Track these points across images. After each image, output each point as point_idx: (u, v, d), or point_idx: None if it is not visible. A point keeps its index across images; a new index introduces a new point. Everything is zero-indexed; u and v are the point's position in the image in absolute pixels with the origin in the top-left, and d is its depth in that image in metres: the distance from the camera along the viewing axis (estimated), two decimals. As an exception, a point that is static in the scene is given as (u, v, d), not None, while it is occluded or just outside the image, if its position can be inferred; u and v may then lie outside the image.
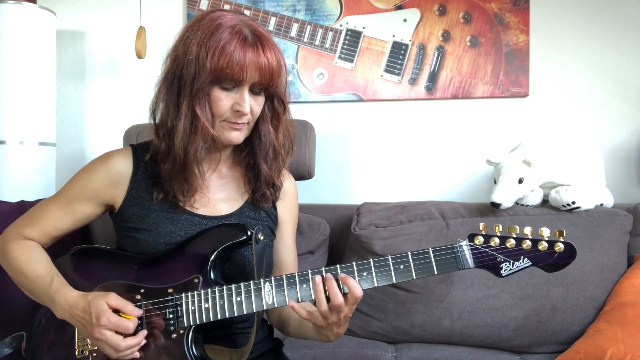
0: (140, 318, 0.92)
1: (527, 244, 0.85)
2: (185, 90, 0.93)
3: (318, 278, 0.86)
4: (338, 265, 0.88)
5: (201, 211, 1.03)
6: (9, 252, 1.01)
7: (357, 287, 0.85)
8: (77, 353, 0.95)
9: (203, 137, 0.94)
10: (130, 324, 0.87)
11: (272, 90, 0.98)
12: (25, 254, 1.00)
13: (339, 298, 0.85)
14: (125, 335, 0.88)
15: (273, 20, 1.92)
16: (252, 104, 0.95)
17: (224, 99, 0.94)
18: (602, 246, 1.41)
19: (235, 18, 0.94)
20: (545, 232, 0.85)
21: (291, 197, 1.15)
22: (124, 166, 1.02)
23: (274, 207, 1.12)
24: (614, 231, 1.43)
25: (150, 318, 0.92)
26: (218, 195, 1.06)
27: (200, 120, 0.93)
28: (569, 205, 1.42)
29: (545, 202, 1.52)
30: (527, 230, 0.86)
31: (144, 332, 0.90)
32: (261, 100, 0.98)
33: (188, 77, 0.93)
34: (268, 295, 0.88)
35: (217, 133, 0.96)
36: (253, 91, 0.96)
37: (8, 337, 1.03)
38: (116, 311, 0.88)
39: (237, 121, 0.96)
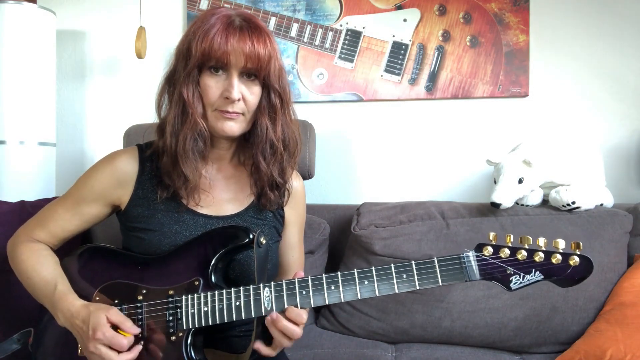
0: (141, 319, 0.92)
1: (539, 257, 0.80)
2: (178, 80, 0.95)
3: (272, 319, 0.86)
4: (339, 273, 0.87)
5: (206, 211, 1.03)
6: (17, 255, 1.02)
7: (298, 315, 0.86)
8: (79, 352, 0.95)
9: (192, 127, 0.94)
10: (125, 342, 0.86)
11: (263, 77, 0.96)
12: (32, 257, 1.00)
13: (295, 331, 0.86)
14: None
15: (273, 20, 1.92)
16: (244, 93, 0.95)
17: (213, 86, 0.94)
18: (602, 246, 1.40)
19: (231, 10, 0.97)
20: (561, 244, 0.80)
21: (298, 198, 1.15)
22: (130, 166, 1.02)
23: (281, 208, 1.11)
24: (614, 231, 1.43)
25: (151, 319, 0.92)
26: (223, 196, 1.06)
27: (188, 108, 0.94)
28: (569, 205, 1.42)
29: (545, 202, 1.52)
30: (541, 242, 0.81)
31: (138, 348, 0.89)
32: (256, 90, 0.97)
33: (180, 67, 0.95)
34: (267, 301, 0.87)
35: (210, 123, 0.96)
36: (245, 79, 0.95)
37: (16, 334, 1.04)
38: (115, 327, 0.88)
39: (228, 109, 0.95)
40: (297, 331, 0.86)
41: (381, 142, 1.90)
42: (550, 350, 1.40)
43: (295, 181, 1.13)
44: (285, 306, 0.87)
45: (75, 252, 1.04)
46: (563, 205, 1.43)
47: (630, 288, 1.34)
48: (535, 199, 1.49)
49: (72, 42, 2.04)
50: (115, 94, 2.03)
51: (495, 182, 1.45)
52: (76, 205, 1.03)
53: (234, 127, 0.97)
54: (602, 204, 1.49)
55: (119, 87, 2.02)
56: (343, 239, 1.64)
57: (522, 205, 1.50)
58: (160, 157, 0.99)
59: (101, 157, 1.06)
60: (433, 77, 1.85)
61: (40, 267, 0.99)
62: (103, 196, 1.02)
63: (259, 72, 0.95)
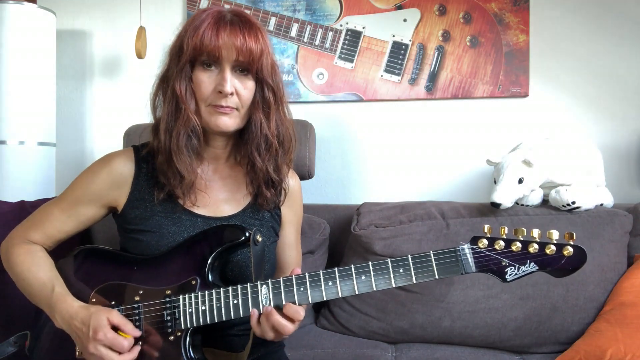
0: (138, 319, 0.92)
1: (534, 248, 0.81)
2: (171, 77, 0.96)
3: (255, 313, 0.86)
4: (336, 269, 0.87)
5: (203, 212, 1.02)
6: (12, 257, 1.01)
7: (296, 311, 0.85)
8: (77, 354, 0.95)
9: (185, 123, 0.94)
10: (126, 343, 0.86)
11: (256, 72, 0.96)
12: (27, 259, 1.00)
13: (287, 328, 0.85)
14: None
15: (273, 20, 1.92)
16: (237, 87, 0.95)
17: (206, 81, 0.94)
18: (602, 246, 1.40)
19: (224, 8, 0.98)
20: (555, 235, 0.80)
21: (295, 197, 1.14)
22: (126, 168, 1.02)
23: (278, 207, 1.11)
24: (614, 231, 1.42)
25: (148, 320, 0.92)
26: (220, 196, 1.05)
27: (181, 104, 0.94)
28: (569, 205, 1.42)
29: (545, 202, 1.52)
30: (535, 233, 0.82)
31: (137, 349, 0.89)
32: (250, 84, 0.97)
33: (173, 64, 0.96)
34: (265, 298, 0.87)
35: (204, 120, 0.96)
36: (238, 73, 0.96)
37: (12, 336, 1.04)
38: (115, 328, 0.88)
39: (221, 103, 0.94)
40: (289, 328, 0.85)
41: (381, 142, 1.90)
42: (550, 350, 1.40)
43: (292, 180, 1.13)
44: (284, 303, 0.86)
45: (71, 253, 1.04)
46: (563, 205, 1.43)
47: (630, 288, 1.34)
48: (535, 199, 1.49)
49: (72, 42, 2.04)
50: (115, 94, 2.03)
51: (495, 182, 1.45)
52: (72, 206, 1.02)
53: (228, 122, 0.96)
54: (602, 204, 1.49)
55: (119, 87, 2.03)
56: (343, 239, 1.63)
57: (522, 205, 1.49)
58: (155, 157, 0.99)
59: (101, 157, 1.06)
60: (433, 77, 1.85)
61: (36, 268, 0.98)
62: (99, 197, 1.02)
63: (251, 66, 0.95)
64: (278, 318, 0.85)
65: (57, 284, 0.96)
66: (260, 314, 0.87)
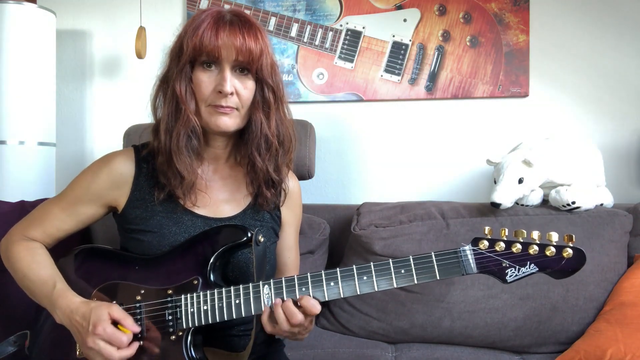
0: (140, 319, 0.92)
1: (534, 249, 0.82)
2: (171, 77, 0.96)
3: (278, 301, 0.86)
4: (338, 269, 0.87)
5: (204, 212, 1.02)
6: (12, 254, 1.01)
7: (313, 305, 0.85)
8: (77, 353, 0.95)
9: (185, 124, 0.95)
10: (125, 338, 0.86)
11: (256, 72, 0.96)
12: (28, 256, 1.00)
13: (297, 317, 0.85)
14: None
15: (273, 20, 1.92)
16: (237, 87, 0.95)
17: (206, 81, 0.94)
18: (602, 246, 1.40)
19: (223, 8, 0.98)
20: (554, 237, 0.81)
21: (295, 199, 1.15)
22: (126, 168, 1.02)
23: (278, 209, 1.11)
24: (614, 231, 1.43)
25: (150, 319, 0.92)
26: (221, 196, 1.05)
27: (181, 104, 0.94)
28: (569, 205, 1.42)
29: (545, 202, 1.52)
30: (535, 235, 0.83)
31: (136, 345, 0.89)
32: (250, 84, 0.97)
33: (173, 65, 0.96)
34: (267, 298, 0.87)
35: (204, 120, 0.97)
36: (238, 73, 0.96)
37: (12, 336, 1.04)
38: (115, 323, 0.88)
39: (221, 103, 0.94)
40: (299, 317, 0.85)
41: (381, 142, 1.90)
42: (550, 350, 1.40)
43: (291, 181, 1.13)
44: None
45: (71, 253, 1.04)
46: (563, 205, 1.43)
47: (630, 288, 1.34)
48: (535, 199, 1.49)
49: (72, 42, 2.04)
50: (115, 94, 2.03)
51: (495, 182, 1.45)
52: (72, 205, 1.02)
53: (229, 122, 0.97)
54: (602, 204, 1.49)
55: (119, 87, 2.03)
56: (343, 239, 1.64)
57: (522, 205, 1.49)
58: (156, 157, 0.99)
59: (101, 156, 1.06)
60: (433, 77, 1.85)
61: (36, 265, 0.99)
62: (99, 197, 1.02)
63: (251, 66, 0.95)
64: (291, 306, 0.85)
65: (58, 281, 0.96)
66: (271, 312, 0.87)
